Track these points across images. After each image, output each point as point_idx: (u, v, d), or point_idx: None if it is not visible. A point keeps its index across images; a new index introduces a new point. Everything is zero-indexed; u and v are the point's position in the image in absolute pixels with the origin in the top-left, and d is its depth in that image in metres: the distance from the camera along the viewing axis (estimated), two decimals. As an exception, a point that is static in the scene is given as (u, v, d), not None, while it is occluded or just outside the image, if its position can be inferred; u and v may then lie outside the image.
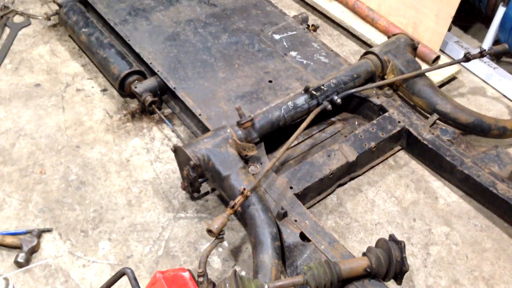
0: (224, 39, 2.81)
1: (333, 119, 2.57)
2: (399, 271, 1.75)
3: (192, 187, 2.16)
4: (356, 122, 2.58)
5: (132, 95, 2.59)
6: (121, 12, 2.90)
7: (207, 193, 2.29)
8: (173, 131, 2.53)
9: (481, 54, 2.54)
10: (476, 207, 2.29)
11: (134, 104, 2.58)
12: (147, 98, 2.51)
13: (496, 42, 2.95)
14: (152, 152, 2.45)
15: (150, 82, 2.56)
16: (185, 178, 2.13)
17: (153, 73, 2.62)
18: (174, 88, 2.51)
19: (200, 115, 2.40)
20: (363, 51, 2.73)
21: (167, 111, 2.63)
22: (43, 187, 2.27)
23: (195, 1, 3.04)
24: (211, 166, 2.06)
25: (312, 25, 3.10)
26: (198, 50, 2.74)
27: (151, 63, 2.62)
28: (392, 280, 1.78)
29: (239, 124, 2.18)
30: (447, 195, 2.33)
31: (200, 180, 2.15)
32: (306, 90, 2.34)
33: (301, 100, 2.34)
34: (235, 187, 1.99)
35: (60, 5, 2.89)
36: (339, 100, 2.34)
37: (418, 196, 2.32)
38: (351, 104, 2.58)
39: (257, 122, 2.23)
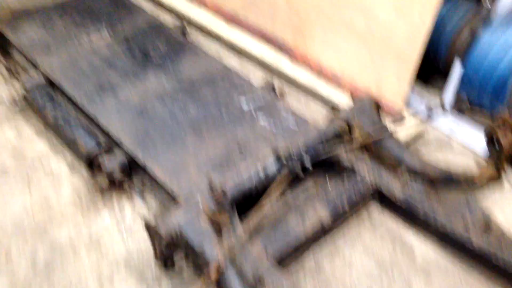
0: (192, 111, 2.84)
1: (304, 180, 2.56)
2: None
3: (165, 263, 2.10)
4: (327, 177, 2.57)
5: (101, 172, 2.55)
6: (89, 91, 2.92)
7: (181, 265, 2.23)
8: (145, 205, 2.49)
9: (443, 110, 2.62)
10: (452, 259, 2.28)
11: (103, 181, 2.53)
12: (117, 175, 2.48)
13: (457, 95, 3.04)
14: (123, 228, 2.39)
15: (119, 158, 2.54)
16: (158, 252, 2.07)
17: (120, 147, 2.60)
18: (143, 162, 2.50)
19: (170, 188, 2.37)
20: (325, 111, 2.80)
21: (138, 183, 2.59)
22: (10, 272, 2.18)
23: (163, 76, 3.09)
24: (184, 241, 2.01)
25: (279, 91, 3.17)
26: (166, 123, 2.75)
27: (119, 139, 2.61)
28: None
29: (211, 196, 2.16)
30: (424, 248, 2.32)
31: (173, 251, 2.10)
32: (277, 158, 2.35)
33: (272, 168, 2.34)
34: (210, 259, 1.94)
35: (26, 90, 2.90)
36: (310, 165, 2.35)
37: (395, 252, 2.31)
38: (321, 164, 2.59)
39: (229, 192, 2.21)
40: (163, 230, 2.00)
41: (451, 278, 2.20)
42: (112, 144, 2.65)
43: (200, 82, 3.08)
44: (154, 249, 2.11)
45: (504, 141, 2.41)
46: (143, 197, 2.52)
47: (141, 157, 2.51)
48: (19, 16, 3.54)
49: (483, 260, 2.15)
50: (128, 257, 2.25)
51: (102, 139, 2.65)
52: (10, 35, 3.32)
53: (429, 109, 2.61)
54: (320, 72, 3.36)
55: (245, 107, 2.90)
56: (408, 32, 2.89)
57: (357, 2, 3.09)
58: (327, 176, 2.58)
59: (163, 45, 3.40)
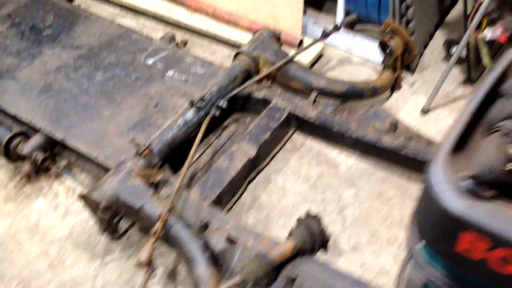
0: (99, 77, 2.81)
1: (225, 123, 2.68)
2: (322, 242, 1.90)
3: (110, 229, 2.16)
4: (248, 120, 2.70)
5: (22, 158, 2.51)
6: (-16, 79, 2.79)
7: (127, 230, 2.30)
8: (76, 181, 2.50)
9: (336, 29, 2.78)
10: (372, 163, 2.51)
11: (26, 167, 2.50)
12: (38, 157, 2.45)
13: (347, 13, 3.21)
14: (60, 207, 2.40)
15: (36, 140, 2.49)
16: (101, 222, 2.12)
17: (36, 130, 2.55)
18: (62, 139, 2.48)
19: (96, 157, 2.39)
20: (230, 52, 2.87)
21: (63, 163, 2.58)
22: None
23: (58, 48, 3.00)
24: (122, 202, 2.07)
25: (181, 42, 3.19)
26: (76, 95, 2.71)
27: (30, 121, 2.55)
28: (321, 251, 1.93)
29: (138, 155, 2.21)
30: (345, 161, 2.54)
31: (116, 219, 2.16)
32: (192, 103, 2.43)
33: (190, 114, 2.42)
34: (151, 215, 2.02)
35: None
36: (224, 104, 2.45)
37: (321, 169, 2.50)
38: (237, 104, 2.70)
39: (154, 147, 2.27)
40: (98, 198, 2.04)
41: (373, 181, 2.43)
42: (26, 128, 2.59)
43: (99, 47, 3.02)
44: (97, 221, 2.15)
45: (393, 45, 2.63)
46: (72, 175, 2.52)
47: (59, 134, 2.49)
48: None
49: (396, 157, 2.38)
50: (74, 236, 2.29)
51: (14, 125, 2.58)
52: None
53: (324, 31, 2.76)
54: (216, 16, 3.38)
55: (149, 62, 2.90)
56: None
57: None
58: (244, 112, 2.69)
59: (51, 16, 3.26)
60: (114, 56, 2.96)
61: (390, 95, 2.86)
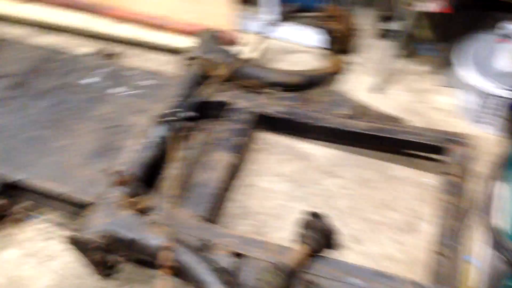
0: (41, 106, 2.59)
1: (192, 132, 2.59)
2: (333, 240, 1.93)
3: (104, 268, 2.03)
4: (208, 125, 2.63)
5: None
6: None
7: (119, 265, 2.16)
8: (47, 222, 2.30)
9: (284, 19, 2.79)
10: (345, 149, 2.56)
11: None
12: (-2, 204, 2.23)
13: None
14: (37, 254, 2.20)
15: (-10, 186, 2.26)
16: (95, 263, 1.99)
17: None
18: (20, 180, 2.27)
19: (66, 194, 2.22)
20: (171, 58, 2.85)
21: (27, 204, 2.36)
22: None
23: (-18, 82, 2.72)
24: (117, 238, 1.95)
25: (115, 54, 3.02)
26: (20, 129, 2.48)
27: (-22, 167, 2.30)
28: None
29: (117, 183, 2.08)
30: (318, 152, 2.57)
31: (110, 256, 2.03)
32: (160, 119, 2.33)
33: (160, 130, 2.32)
34: (152, 245, 1.92)
35: None
36: (191, 115, 2.38)
37: (298, 164, 2.52)
38: (199, 111, 2.62)
39: (132, 172, 2.16)
40: (91, 237, 1.91)
41: (350, 167, 2.48)
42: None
43: (28, 73, 2.78)
44: (89, 262, 2.00)
45: (337, 28, 2.71)
46: (39, 216, 2.32)
47: (16, 175, 2.27)
48: None
49: (364, 139, 2.46)
50: (61, 280, 2.12)
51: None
52: None
53: (262, 25, 2.76)
54: (143, 22, 3.24)
55: (90, 81, 2.72)
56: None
57: None
58: (208, 120, 2.63)
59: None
60: (48, 80, 2.74)
61: (336, 78, 2.92)
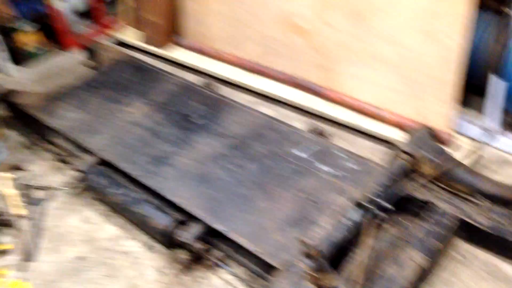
0: (252, 168, 2.84)
1: (385, 224, 2.56)
2: None
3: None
4: (404, 221, 2.57)
5: (179, 246, 2.52)
6: (145, 165, 2.90)
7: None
8: (233, 275, 2.45)
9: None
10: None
11: (184, 255, 2.51)
12: (197, 246, 2.45)
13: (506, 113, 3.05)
14: (219, 302, 2.36)
15: (195, 229, 2.50)
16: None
17: (194, 218, 2.57)
18: (223, 230, 2.47)
19: (257, 252, 2.35)
20: (377, 147, 2.85)
21: (219, 253, 2.55)
22: None
23: (210, 137, 3.08)
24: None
25: (322, 133, 3.17)
26: (231, 185, 2.74)
27: (191, 210, 2.58)
28: None
29: (307, 256, 2.14)
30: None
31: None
32: (359, 204, 2.35)
33: (357, 215, 2.34)
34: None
35: (83, 172, 2.87)
36: (390, 206, 2.35)
37: (496, 285, 2.29)
38: (397, 205, 2.58)
39: (324, 248, 2.19)
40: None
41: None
42: (183, 215, 2.62)
43: (248, 136, 3.08)
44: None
45: None
46: (227, 267, 2.48)
47: (219, 225, 2.49)
48: (49, 100, 3.49)
49: None
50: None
51: (172, 212, 2.62)
52: (48, 120, 3.29)
53: (483, 130, 2.63)
54: (356, 108, 3.37)
55: (300, 154, 2.89)
56: (440, 55, 2.89)
57: (382, 32, 3.10)
58: (405, 216, 2.57)
59: (199, 104, 3.40)
60: (263, 146, 3.00)
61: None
